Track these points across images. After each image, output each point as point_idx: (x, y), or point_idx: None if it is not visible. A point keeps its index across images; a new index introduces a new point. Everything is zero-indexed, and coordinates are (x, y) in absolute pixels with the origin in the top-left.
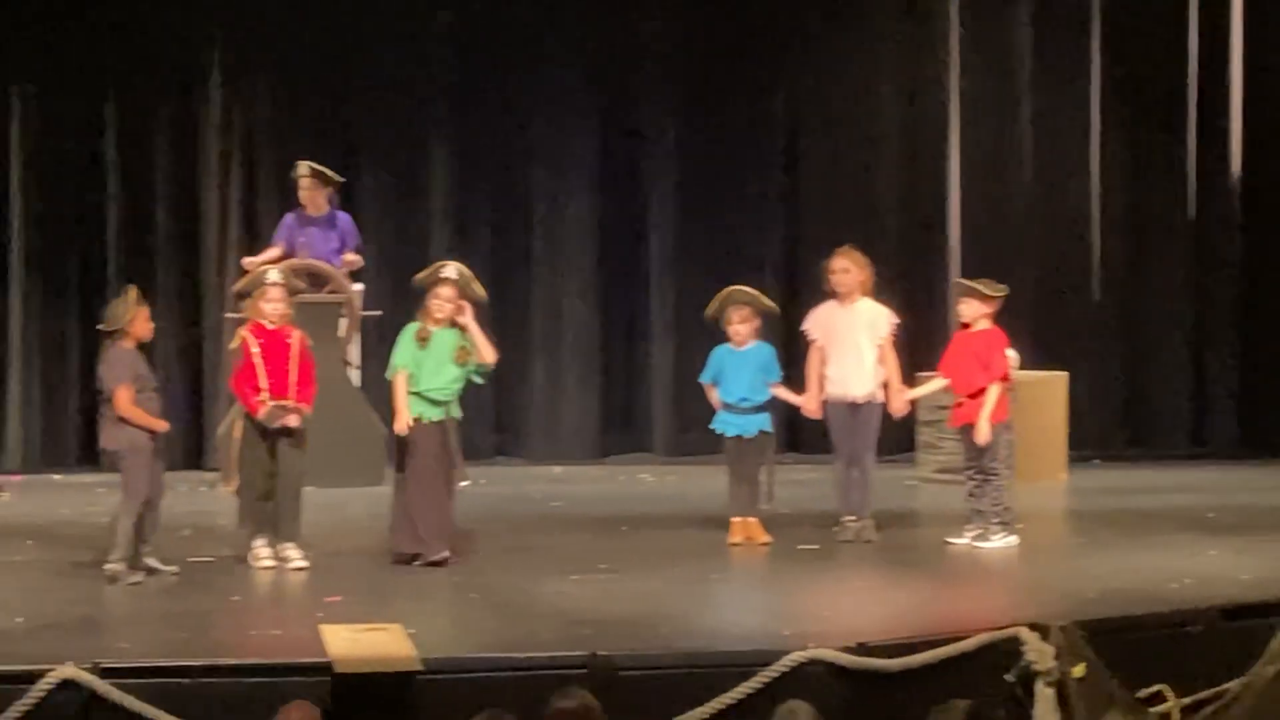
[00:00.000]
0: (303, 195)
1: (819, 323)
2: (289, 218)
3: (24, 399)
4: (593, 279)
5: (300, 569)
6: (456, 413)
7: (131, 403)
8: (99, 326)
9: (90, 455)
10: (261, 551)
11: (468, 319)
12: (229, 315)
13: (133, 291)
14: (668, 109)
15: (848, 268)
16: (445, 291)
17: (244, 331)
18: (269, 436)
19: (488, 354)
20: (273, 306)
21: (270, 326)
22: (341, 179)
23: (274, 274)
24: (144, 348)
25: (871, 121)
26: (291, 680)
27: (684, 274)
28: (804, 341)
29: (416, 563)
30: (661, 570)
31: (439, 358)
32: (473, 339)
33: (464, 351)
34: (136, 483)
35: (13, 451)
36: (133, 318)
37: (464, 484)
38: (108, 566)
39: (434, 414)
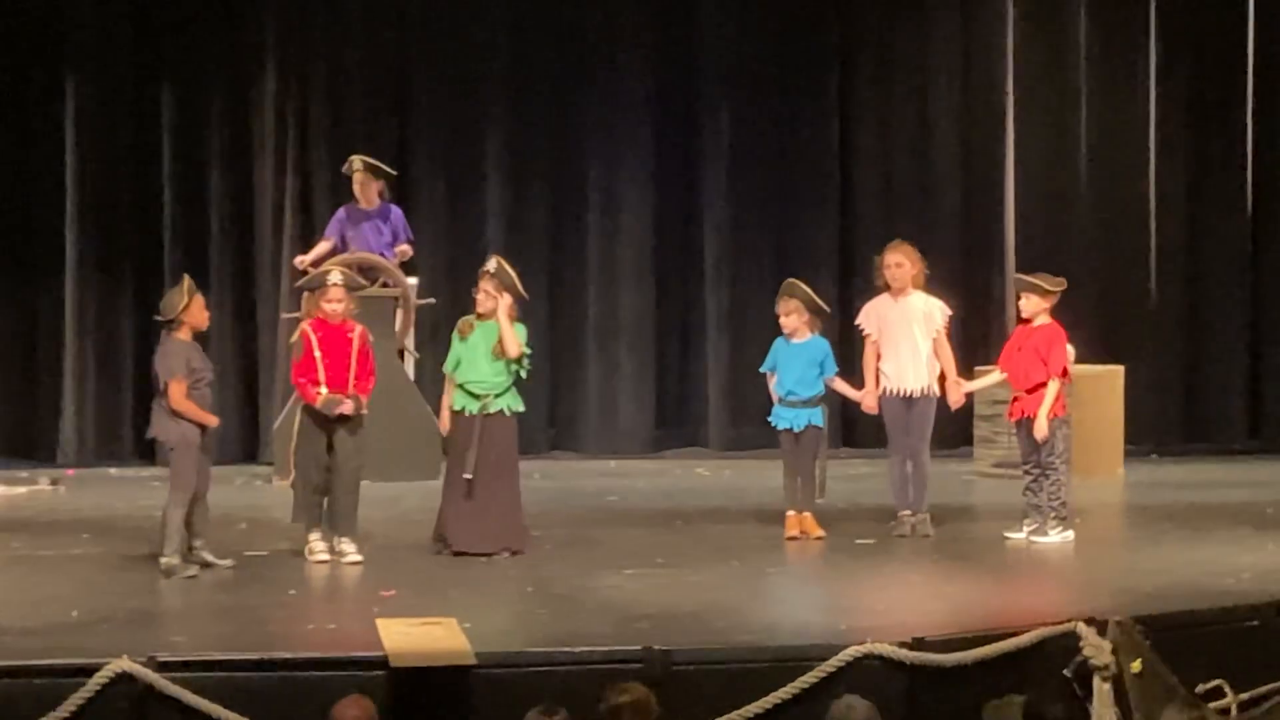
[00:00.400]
0: (356, 189)
1: (873, 317)
2: (341, 212)
3: (79, 392)
4: (647, 273)
5: (355, 563)
6: (507, 405)
7: (184, 396)
8: (155, 316)
9: (146, 448)
10: (317, 546)
11: (500, 312)
12: (285, 315)
13: (187, 280)
14: (723, 104)
15: (900, 261)
16: (484, 284)
17: (305, 325)
18: (326, 430)
19: (511, 348)
20: (333, 306)
21: (332, 323)
22: (394, 172)
23: (336, 275)
24: (200, 339)
25: (927, 115)
26: (347, 674)
27: (738, 268)
28: (860, 335)
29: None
30: (717, 564)
31: (479, 350)
32: (500, 332)
33: (501, 347)
34: (185, 475)
35: (68, 445)
36: (187, 305)
37: (466, 476)
38: (163, 560)
39: (472, 406)
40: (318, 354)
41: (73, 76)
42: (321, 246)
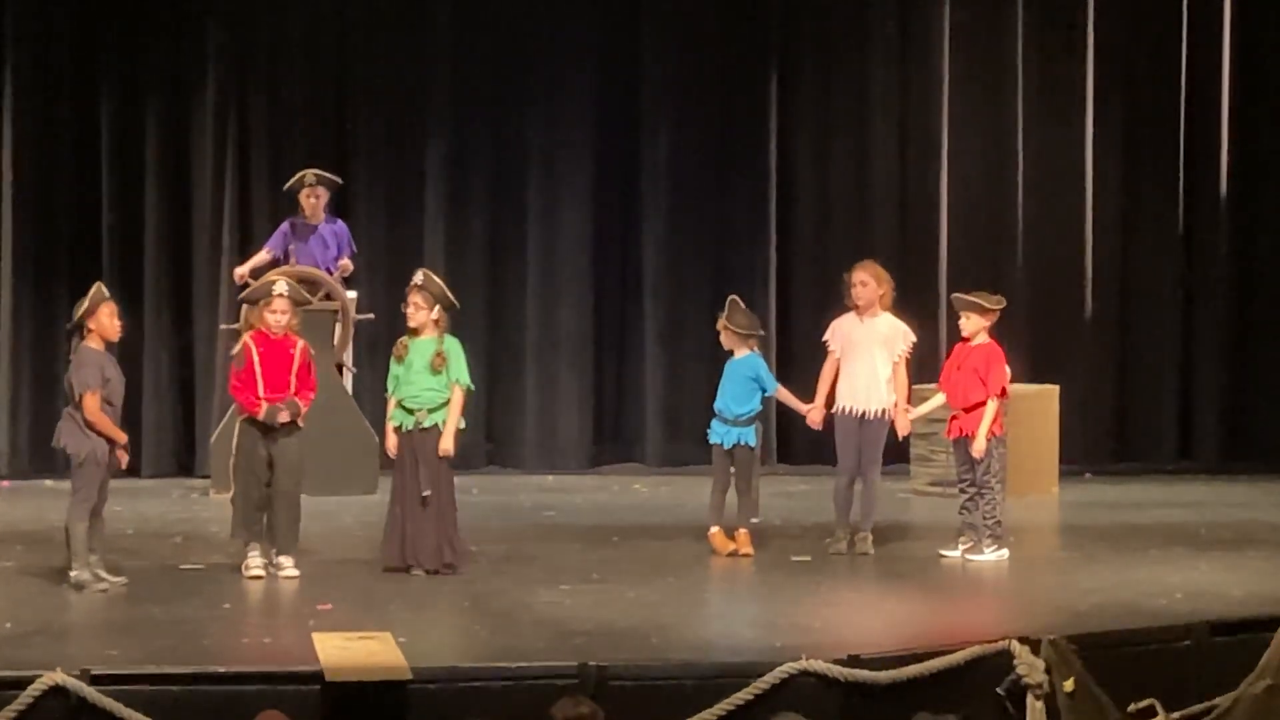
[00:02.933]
0: (310, 203)
1: (838, 334)
2: (285, 225)
3: (12, 404)
4: (586, 289)
5: (291, 577)
6: (441, 420)
7: (99, 408)
8: (66, 324)
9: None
10: (253, 561)
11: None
12: (224, 327)
13: (95, 287)
14: (661, 122)
15: (865, 280)
16: (413, 298)
17: (247, 337)
18: (266, 443)
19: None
20: (276, 318)
21: (274, 336)
22: (340, 181)
23: (282, 285)
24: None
25: (864, 136)
26: (282, 689)
27: (676, 286)
28: (798, 355)
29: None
30: (653, 580)
31: (414, 367)
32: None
33: (439, 358)
34: (89, 490)
35: (2, 456)
36: (92, 311)
37: (425, 493)
38: (73, 575)
39: (408, 422)
40: (258, 367)
41: (11, 86)
42: (260, 257)
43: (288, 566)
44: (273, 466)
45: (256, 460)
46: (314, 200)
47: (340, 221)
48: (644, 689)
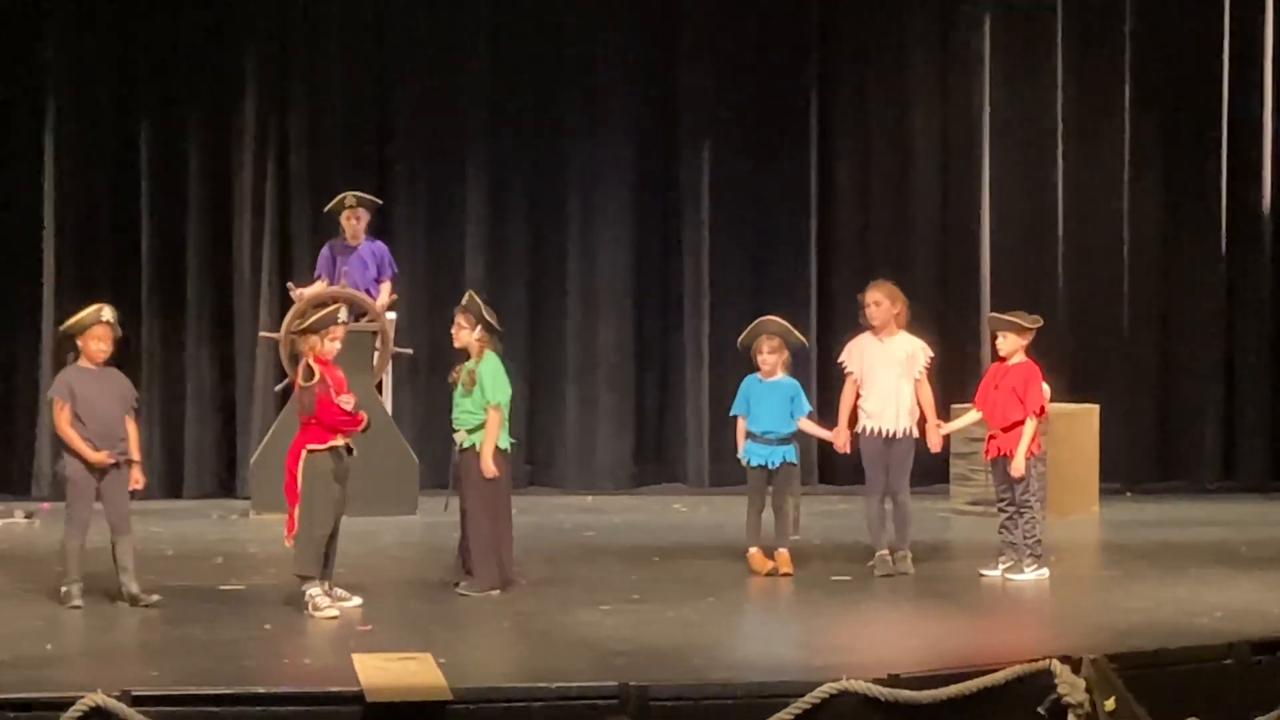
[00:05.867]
0: (351, 225)
1: (855, 355)
2: (327, 249)
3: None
4: (626, 310)
5: (359, 606)
6: (478, 440)
7: (65, 421)
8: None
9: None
10: (322, 601)
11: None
12: (264, 334)
13: (92, 307)
14: (702, 141)
15: (879, 300)
16: (458, 318)
17: (313, 363)
18: (338, 475)
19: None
20: (338, 345)
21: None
22: (380, 201)
23: (345, 313)
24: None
25: (904, 155)
26: (322, 709)
27: (717, 305)
28: (837, 373)
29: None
30: (694, 600)
31: (457, 389)
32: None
33: (470, 378)
34: (76, 507)
35: (43, 478)
36: (75, 326)
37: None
38: (62, 589)
39: (457, 443)
40: (332, 391)
41: (54, 110)
42: (317, 286)
43: (350, 597)
44: (344, 490)
45: (334, 488)
46: (354, 222)
47: (380, 242)
48: (685, 709)
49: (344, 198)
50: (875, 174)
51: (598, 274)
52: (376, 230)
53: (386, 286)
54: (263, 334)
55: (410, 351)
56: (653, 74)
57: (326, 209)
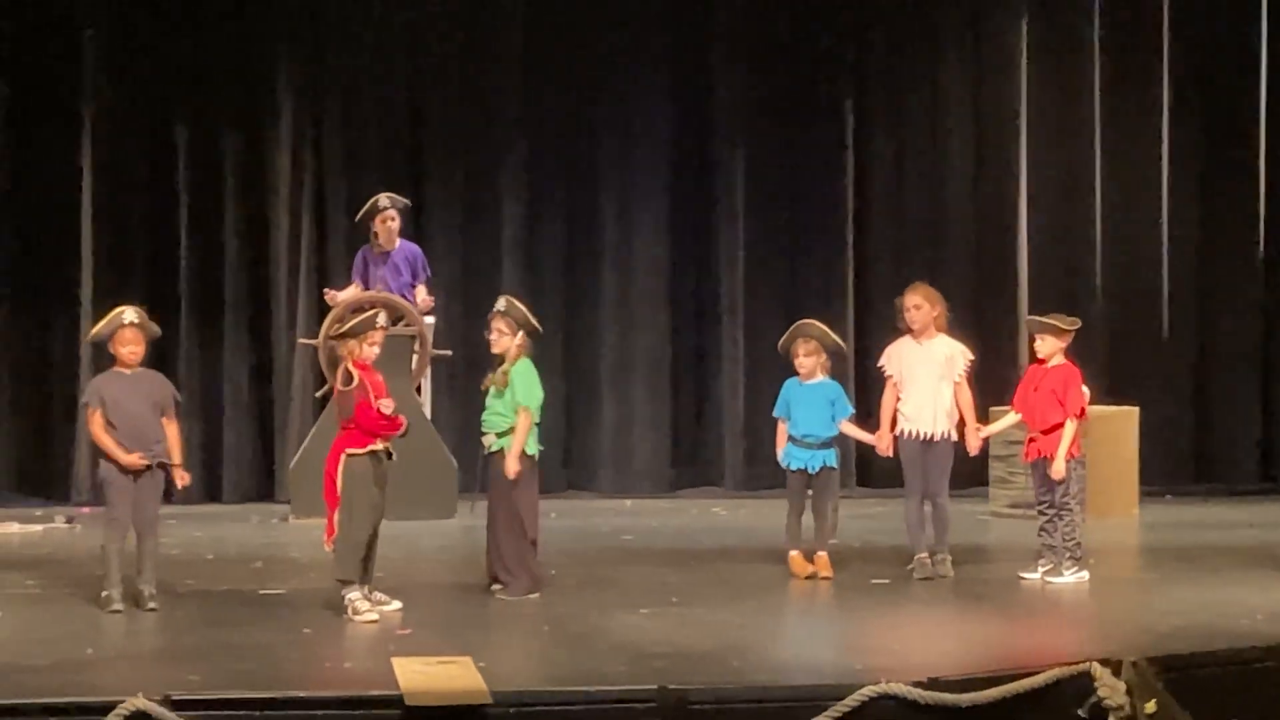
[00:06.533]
0: (386, 228)
1: (894, 359)
2: (362, 253)
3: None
4: (663, 313)
5: (398, 610)
6: (504, 444)
7: (98, 426)
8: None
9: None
10: (362, 605)
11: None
12: (302, 341)
13: (114, 311)
14: (738, 144)
15: (919, 304)
16: (497, 324)
17: (352, 368)
18: (377, 480)
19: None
20: (377, 349)
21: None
22: (409, 203)
23: (384, 318)
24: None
25: (939, 156)
26: (362, 713)
27: (753, 308)
28: (876, 377)
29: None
30: (732, 603)
31: (489, 392)
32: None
33: (503, 379)
34: (114, 509)
35: (82, 482)
36: (101, 334)
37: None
38: (102, 594)
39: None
40: (371, 395)
41: (89, 114)
42: (351, 290)
43: (390, 600)
44: (384, 493)
45: (374, 491)
46: (389, 225)
47: (413, 245)
48: (723, 712)
49: (376, 200)
50: (911, 176)
51: (634, 277)
52: (410, 234)
53: (422, 290)
54: (301, 340)
55: (449, 353)
56: (688, 80)
57: (359, 217)
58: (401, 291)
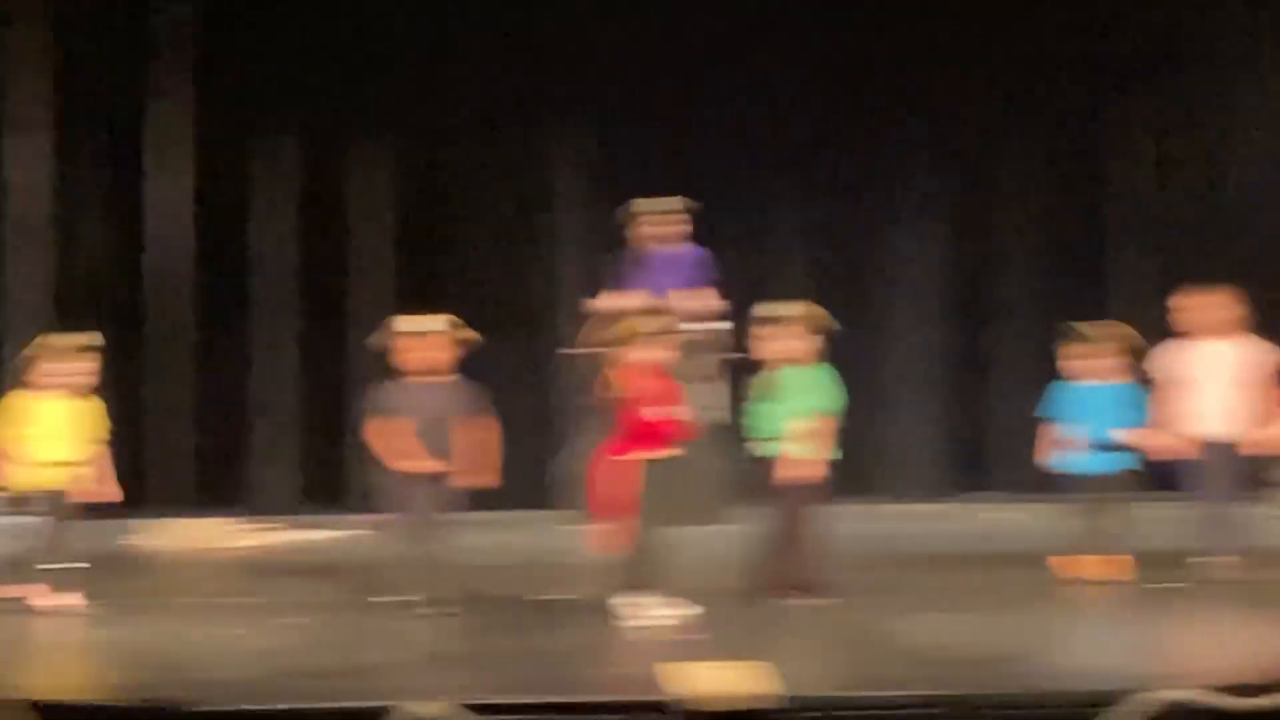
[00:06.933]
0: (649, 232)
1: (1183, 360)
2: (625, 258)
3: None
4: (942, 315)
5: (688, 614)
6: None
7: (388, 434)
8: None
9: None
10: (651, 610)
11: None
12: (580, 351)
13: (392, 320)
14: (1017, 141)
15: (1210, 304)
16: (784, 330)
17: (627, 374)
18: (663, 480)
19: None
20: (655, 354)
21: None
22: (679, 207)
23: (660, 323)
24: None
25: (1236, 143)
26: (653, 718)
27: (1032, 309)
28: (1164, 378)
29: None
30: (1018, 608)
31: (775, 396)
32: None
33: (794, 385)
34: (402, 517)
35: (375, 491)
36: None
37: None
38: (394, 599)
39: (770, 451)
40: (642, 402)
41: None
42: (625, 294)
43: (677, 604)
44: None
45: (662, 503)
46: (651, 229)
47: (696, 247)
48: (1011, 718)
49: (638, 204)
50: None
51: (912, 278)
52: (684, 236)
53: (696, 292)
54: (566, 351)
55: (735, 356)
56: (970, 83)
57: (620, 219)
58: (672, 293)
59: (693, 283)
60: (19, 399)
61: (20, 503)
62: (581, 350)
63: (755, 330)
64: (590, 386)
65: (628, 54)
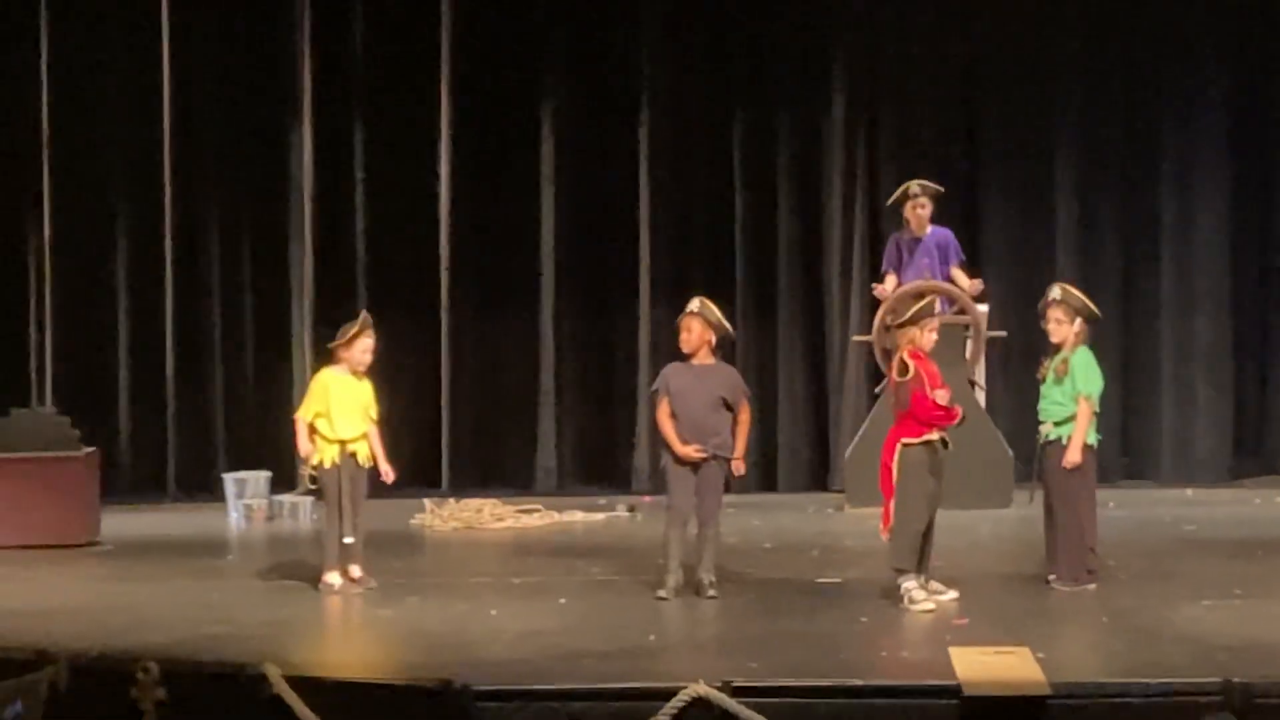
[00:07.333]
0: (917, 215)
1: None
2: (895, 241)
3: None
4: (1222, 297)
5: (955, 599)
6: (1064, 434)
7: (666, 416)
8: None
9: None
10: (918, 594)
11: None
12: (856, 339)
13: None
14: None
15: None
16: (1054, 312)
17: (908, 358)
18: (935, 464)
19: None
20: (934, 337)
21: (924, 355)
22: (942, 189)
23: (941, 305)
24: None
25: None
26: (919, 702)
27: None
28: None
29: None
30: None
31: (1049, 381)
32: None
33: (1063, 366)
34: (672, 500)
35: (642, 471)
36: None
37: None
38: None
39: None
40: (926, 384)
41: (648, 113)
42: (891, 281)
43: (947, 589)
44: (941, 482)
45: (929, 480)
46: (919, 212)
47: (945, 230)
48: None
49: (907, 187)
50: None
51: (1193, 262)
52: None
53: (961, 274)
54: (855, 338)
55: (1004, 334)
56: (1248, 54)
57: (890, 201)
58: (937, 277)
59: (949, 264)
60: (329, 376)
61: (317, 480)
62: (874, 336)
63: (1044, 312)
64: (880, 372)
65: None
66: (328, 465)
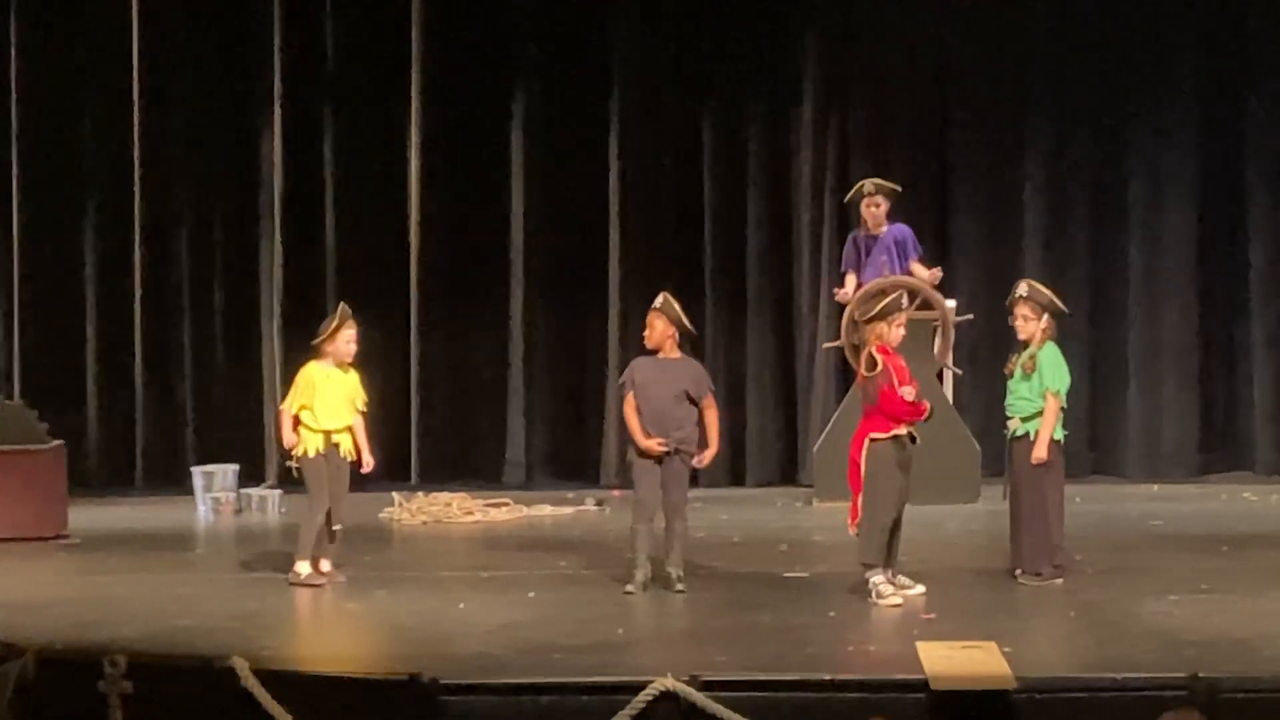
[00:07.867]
0: (871, 213)
1: None
2: (852, 239)
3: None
4: (1190, 293)
5: (922, 594)
6: (1031, 429)
7: (631, 410)
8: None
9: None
10: (885, 589)
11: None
12: (827, 345)
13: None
14: (1274, 119)
15: None
16: (1020, 309)
17: (876, 354)
18: (903, 459)
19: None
20: (902, 332)
21: (891, 350)
22: (900, 188)
23: (906, 300)
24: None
25: None
26: (886, 696)
27: None
28: None
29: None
30: (1267, 591)
31: (1015, 376)
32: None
33: (1030, 363)
34: (639, 494)
35: (610, 465)
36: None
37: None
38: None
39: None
40: (894, 378)
41: (618, 105)
42: (850, 281)
43: (914, 584)
44: (909, 477)
45: (898, 475)
46: (874, 210)
47: (903, 226)
48: (1257, 702)
49: (861, 185)
50: None
51: (1160, 259)
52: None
53: (921, 267)
54: (825, 345)
55: (971, 317)
56: (1218, 49)
57: (846, 199)
58: (896, 274)
59: (908, 259)
60: (315, 370)
61: (300, 470)
62: (842, 336)
63: (1012, 309)
64: (849, 369)
65: (881, 30)
66: (311, 455)
